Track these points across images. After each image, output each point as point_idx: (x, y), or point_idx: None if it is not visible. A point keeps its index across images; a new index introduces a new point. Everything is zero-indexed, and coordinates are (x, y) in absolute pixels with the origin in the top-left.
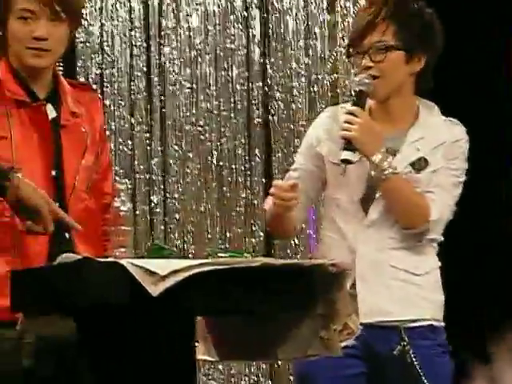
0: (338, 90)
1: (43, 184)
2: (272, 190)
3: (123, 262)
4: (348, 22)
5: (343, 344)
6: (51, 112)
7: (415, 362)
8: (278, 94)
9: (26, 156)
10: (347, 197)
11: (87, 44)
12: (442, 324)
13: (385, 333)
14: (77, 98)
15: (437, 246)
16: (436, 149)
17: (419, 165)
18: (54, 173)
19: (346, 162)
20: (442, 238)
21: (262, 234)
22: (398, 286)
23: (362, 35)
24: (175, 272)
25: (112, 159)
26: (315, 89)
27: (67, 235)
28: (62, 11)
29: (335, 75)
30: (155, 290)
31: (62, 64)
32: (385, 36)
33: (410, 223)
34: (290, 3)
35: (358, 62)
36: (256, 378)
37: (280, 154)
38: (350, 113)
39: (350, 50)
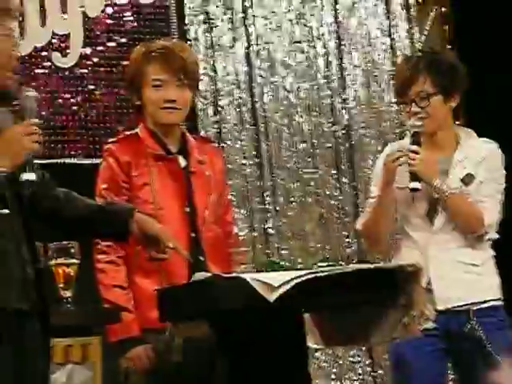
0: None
1: (180, 219)
2: (388, 159)
3: (245, 276)
4: None
5: (423, 327)
6: (182, 162)
7: (482, 337)
8: (358, 133)
9: (165, 198)
10: (415, 213)
11: (205, 104)
12: (501, 303)
13: (457, 315)
14: (200, 148)
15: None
16: (479, 164)
17: (468, 179)
18: (187, 209)
19: (415, 190)
20: (497, 236)
21: (354, 245)
22: (464, 277)
23: (406, 87)
24: (286, 281)
25: (231, 194)
26: (385, 125)
27: (202, 258)
28: (184, 79)
29: (400, 114)
30: (271, 296)
31: (186, 123)
32: (425, 86)
33: (470, 229)
34: (359, 61)
35: (406, 109)
36: (358, 358)
37: (363, 181)
38: (412, 151)
39: (399, 99)
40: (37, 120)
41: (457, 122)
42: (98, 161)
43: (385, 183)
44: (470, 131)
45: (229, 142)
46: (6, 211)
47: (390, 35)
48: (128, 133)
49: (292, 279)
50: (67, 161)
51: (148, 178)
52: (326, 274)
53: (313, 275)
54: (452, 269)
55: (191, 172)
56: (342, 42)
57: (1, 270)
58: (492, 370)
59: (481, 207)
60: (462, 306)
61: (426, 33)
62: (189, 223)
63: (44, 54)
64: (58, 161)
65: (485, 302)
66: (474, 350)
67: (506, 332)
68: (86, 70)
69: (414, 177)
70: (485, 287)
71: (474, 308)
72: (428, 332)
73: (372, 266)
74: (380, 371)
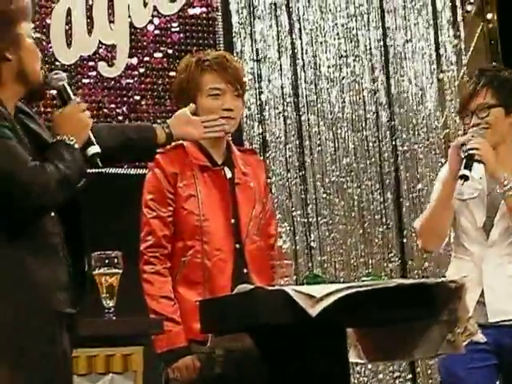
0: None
1: (225, 230)
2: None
3: (287, 289)
4: (454, 87)
5: (474, 341)
6: (227, 173)
7: None
8: (402, 148)
9: (210, 209)
10: (472, 225)
11: (250, 116)
12: None
13: (508, 329)
14: (245, 160)
15: None
16: None
17: None
18: (232, 221)
19: (464, 177)
20: None
21: (397, 259)
22: None
23: (468, 101)
24: (328, 295)
25: (274, 207)
26: (431, 141)
27: (245, 270)
28: (240, 88)
29: (446, 130)
30: (313, 310)
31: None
32: (486, 99)
33: None
34: (405, 76)
35: (467, 121)
36: (398, 373)
37: (407, 196)
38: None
39: (461, 113)
40: (77, 98)
41: None
42: (144, 171)
43: (449, 173)
44: None
45: (273, 155)
46: (52, 213)
47: (436, 50)
48: (174, 144)
49: (335, 292)
50: (114, 171)
51: (194, 189)
52: (368, 288)
53: (355, 289)
54: (505, 283)
55: (236, 183)
56: (389, 57)
57: (52, 274)
58: None
59: None
60: None
61: (472, 48)
62: (233, 235)
63: (90, 63)
64: (105, 170)
65: None
66: None
67: None
68: (131, 81)
69: (466, 165)
70: None
71: None
72: (479, 347)
73: (413, 282)
74: None
